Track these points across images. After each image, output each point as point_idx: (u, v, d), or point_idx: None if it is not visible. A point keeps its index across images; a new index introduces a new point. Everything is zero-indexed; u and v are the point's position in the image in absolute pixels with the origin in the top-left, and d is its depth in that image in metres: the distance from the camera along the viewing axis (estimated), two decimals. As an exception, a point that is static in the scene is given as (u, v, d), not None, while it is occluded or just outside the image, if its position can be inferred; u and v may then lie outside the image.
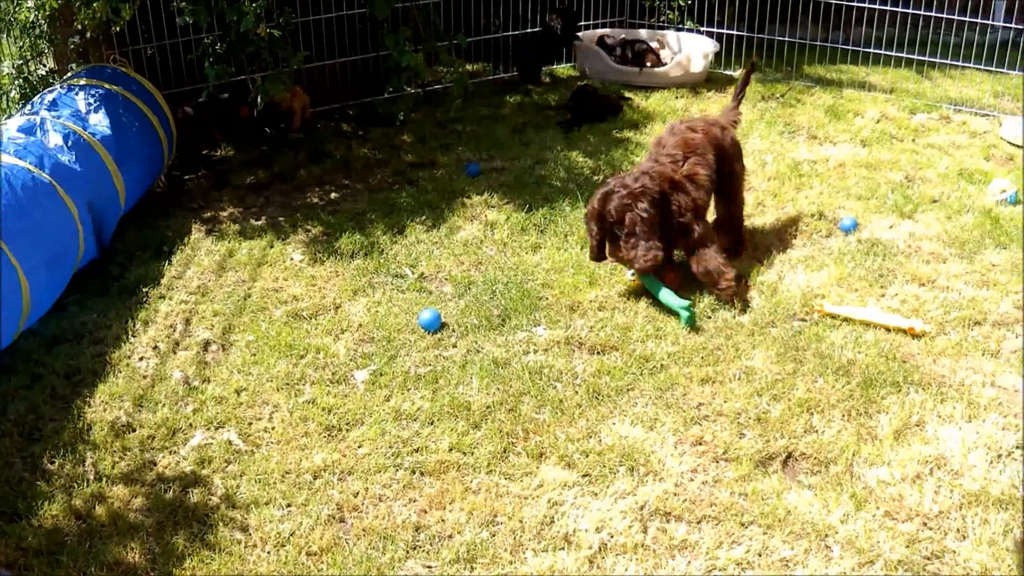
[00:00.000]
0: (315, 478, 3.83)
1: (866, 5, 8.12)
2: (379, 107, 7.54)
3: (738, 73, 8.52)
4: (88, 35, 6.02)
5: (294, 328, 4.80)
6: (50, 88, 5.87)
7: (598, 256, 5.06)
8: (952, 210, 5.99)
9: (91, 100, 5.69)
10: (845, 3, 8.15)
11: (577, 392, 4.31)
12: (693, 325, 4.75)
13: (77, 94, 5.70)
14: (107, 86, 5.89)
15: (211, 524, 3.59)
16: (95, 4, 5.64)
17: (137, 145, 5.82)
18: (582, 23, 8.74)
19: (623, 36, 8.61)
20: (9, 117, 5.57)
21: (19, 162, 4.82)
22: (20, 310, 4.42)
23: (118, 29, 6.12)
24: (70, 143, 5.24)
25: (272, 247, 5.62)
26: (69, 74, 6.18)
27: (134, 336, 4.74)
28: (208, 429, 4.11)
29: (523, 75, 8.43)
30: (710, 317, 4.85)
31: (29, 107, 5.62)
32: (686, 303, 4.77)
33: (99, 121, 5.58)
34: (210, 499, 3.71)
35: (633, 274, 5.04)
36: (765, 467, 3.88)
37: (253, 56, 6.48)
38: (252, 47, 6.27)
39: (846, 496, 3.70)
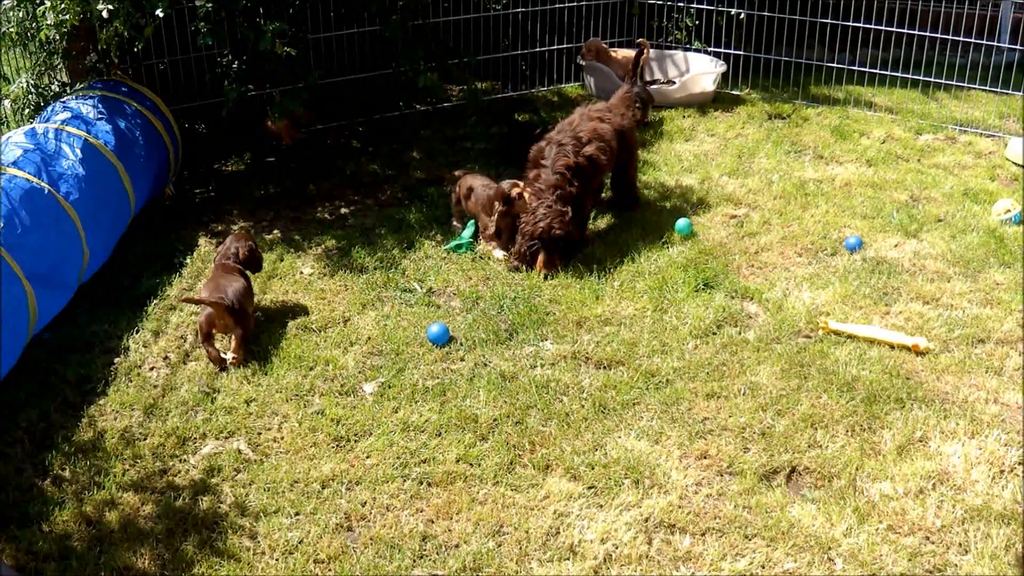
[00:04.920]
0: (323, 487, 3.87)
1: (872, 26, 8.18)
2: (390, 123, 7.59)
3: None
4: (113, 55, 6.10)
5: (303, 340, 4.84)
6: (61, 98, 5.96)
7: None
8: (957, 229, 6.02)
9: (100, 110, 5.77)
10: (851, 24, 8.22)
11: (583, 406, 4.35)
12: (456, 248, 5.74)
13: (86, 104, 5.78)
14: (114, 96, 5.99)
15: (220, 531, 3.63)
16: (116, 23, 5.71)
17: (144, 153, 5.90)
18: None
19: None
20: (19, 127, 5.65)
21: (20, 172, 4.88)
22: (27, 321, 4.47)
23: (140, 47, 6.20)
24: (77, 150, 5.31)
25: (282, 260, 5.67)
26: (79, 86, 6.27)
27: (144, 346, 4.80)
28: (218, 438, 4.15)
29: None
30: (715, 333, 4.90)
31: (38, 118, 5.70)
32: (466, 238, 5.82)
33: (106, 129, 5.67)
34: (219, 507, 3.75)
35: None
36: (769, 481, 3.91)
37: (270, 74, 6.55)
38: (270, 65, 6.35)
39: (849, 510, 3.73)
